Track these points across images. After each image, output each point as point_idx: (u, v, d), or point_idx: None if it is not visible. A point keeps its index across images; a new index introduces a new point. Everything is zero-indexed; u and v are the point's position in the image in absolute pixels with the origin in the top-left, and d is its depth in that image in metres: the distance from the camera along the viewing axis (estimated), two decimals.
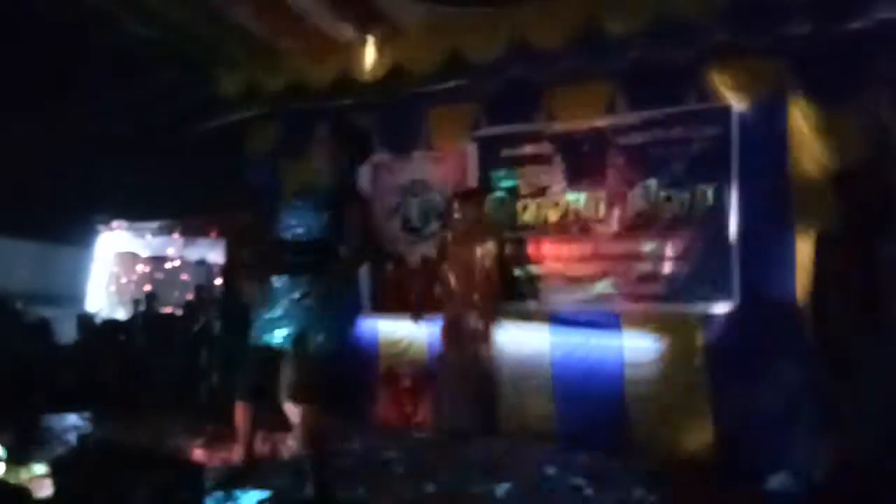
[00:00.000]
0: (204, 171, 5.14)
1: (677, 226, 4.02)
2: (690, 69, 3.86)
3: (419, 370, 4.65)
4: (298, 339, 2.79)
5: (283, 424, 2.91)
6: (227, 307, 5.00)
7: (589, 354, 4.24)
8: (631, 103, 4.14)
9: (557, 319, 4.36)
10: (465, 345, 4.23)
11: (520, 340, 4.47)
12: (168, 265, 7.16)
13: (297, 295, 2.82)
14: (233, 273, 3.13)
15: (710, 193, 3.92)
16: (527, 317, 4.44)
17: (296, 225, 2.88)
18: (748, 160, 3.78)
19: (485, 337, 4.28)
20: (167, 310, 6.45)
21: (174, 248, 6.85)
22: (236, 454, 3.06)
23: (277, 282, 2.87)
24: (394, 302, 4.95)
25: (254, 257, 3.01)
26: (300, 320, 2.80)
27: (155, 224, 6.60)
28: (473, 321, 4.23)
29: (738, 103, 3.77)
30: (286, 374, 2.79)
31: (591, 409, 4.12)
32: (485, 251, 4.31)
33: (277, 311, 2.85)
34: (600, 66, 4.04)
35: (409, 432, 4.35)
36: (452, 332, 4.26)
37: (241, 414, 2.96)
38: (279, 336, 2.83)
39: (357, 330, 4.96)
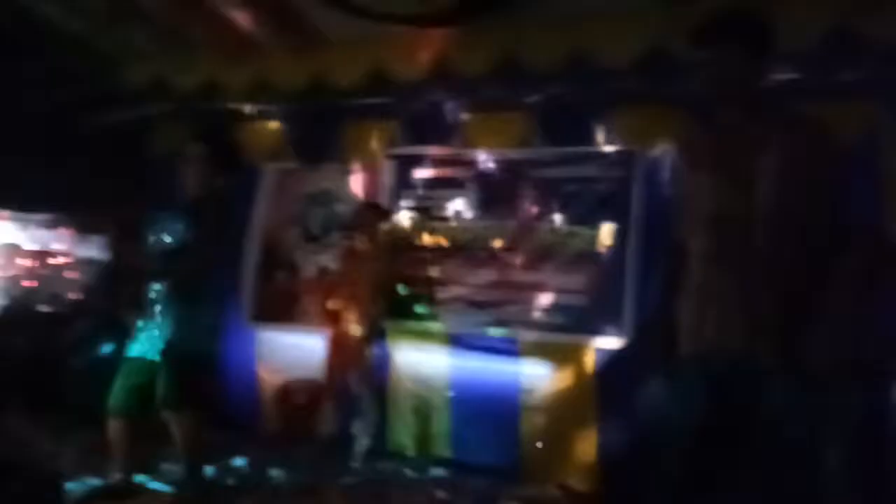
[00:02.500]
0: (103, 165, 4.85)
1: (579, 260, 4.15)
2: (601, 111, 4.02)
3: (305, 383, 4.53)
4: (163, 347, 2.81)
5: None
6: (104, 311, 4.75)
7: (487, 379, 4.29)
8: (545, 138, 4.25)
9: (458, 342, 4.38)
10: (349, 359, 4.17)
11: (420, 361, 4.47)
12: (54, 261, 6.69)
13: (159, 301, 2.85)
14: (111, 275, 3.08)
15: (610, 232, 4.08)
16: (428, 338, 4.45)
17: (163, 233, 2.91)
18: (647, 203, 3.96)
19: (368, 353, 4.23)
20: (48, 308, 6.01)
21: (63, 244, 6.40)
22: (113, 469, 2.94)
23: (151, 288, 2.89)
24: (282, 312, 4.84)
25: (130, 262, 3.04)
26: (162, 327, 2.82)
27: (43, 216, 6.15)
28: (360, 336, 4.18)
29: (640, 148, 3.96)
30: (159, 384, 2.79)
31: (487, 434, 4.17)
32: (381, 267, 4.29)
33: (146, 320, 2.87)
34: (517, 99, 4.14)
35: (294, 448, 4.23)
36: (337, 346, 4.19)
37: (115, 429, 2.86)
38: (147, 345, 2.84)
39: (235, 338, 4.88)
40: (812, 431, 1.87)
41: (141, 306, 2.91)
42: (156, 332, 2.85)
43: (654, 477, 2.00)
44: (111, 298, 4.62)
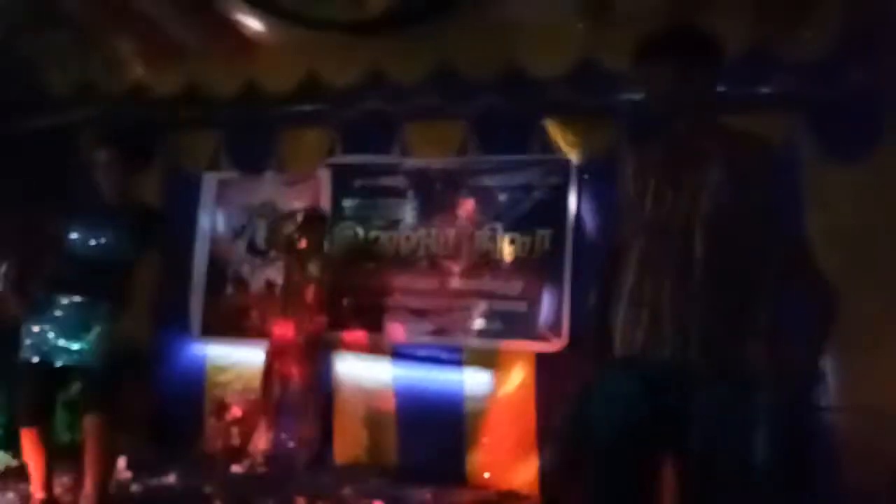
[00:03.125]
0: (24, 170, 4.63)
1: (517, 267, 4.20)
2: (535, 120, 4.06)
3: (248, 398, 4.44)
4: (82, 351, 2.74)
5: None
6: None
7: (431, 387, 4.29)
8: (481, 147, 4.27)
9: (401, 352, 4.38)
10: (290, 371, 4.10)
11: (362, 371, 4.44)
12: None
13: (71, 307, 2.75)
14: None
15: (547, 238, 4.14)
16: (371, 348, 4.42)
17: (81, 239, 2.80)
18: (583, 210, 4.04)
19: (310, 364, 4.18)
20: None
21: None
22: (34, 489, 2.82)
23: (59, 296, 2.78)
24: (228, 326, 4.75)
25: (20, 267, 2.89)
26: (78, 331, 2.73)
27: None
28: (300, 347, 4.12)
29: (574, 156, 4.02)
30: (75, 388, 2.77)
31: (432, 442, 4.17)
32: (319, 276, 4.23)
33: (50, 324, 2.75)
34: (453, 107, 4.14)
35: (233, 464, 4.14)
36: (278, 358, 4.12)
37: (28, 442, 2.75)
38: (56, 351, 2.74)
39: (181, 353, 4.76)
40: (740, 436, 1.92)
41: (36, 310, 2.79)
42: (60, 337, 2.74)
43: (590, 481, 2.02)
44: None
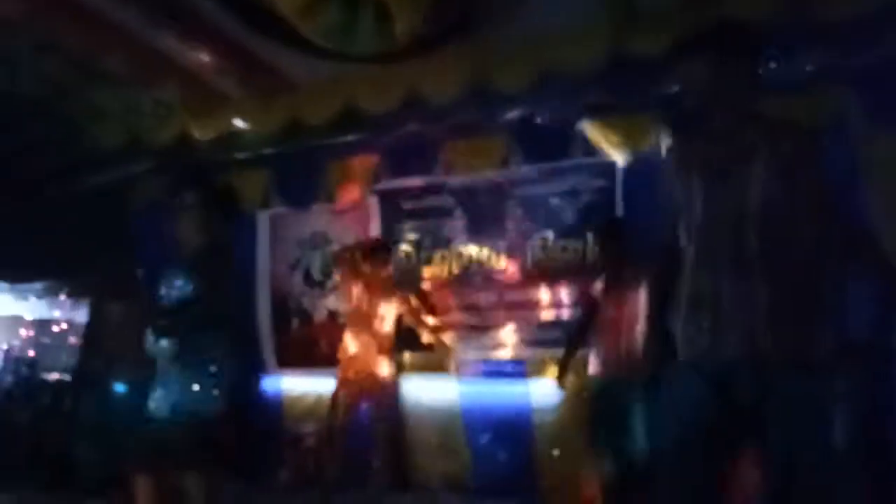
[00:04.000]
0: (87, 227, 4.88)
1: (571, 273, 4.14)
2: (576, 124, 4.00)
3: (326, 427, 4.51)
4: (177, 404, 2.73)
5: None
6: (95, 372, 4.73)
7: (497, 402, 4.28)
8: (524, 157, 4.24)
9: (466, 368, 4.38)
10: (368, 399, 4.15)
11: (430, 391, 4.47)
12: (55, 328, 6.71)
13: (172, 358, 2.77)
14: (99, 335, 2.97)
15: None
16: (434, 368, 4.44)
17: (170, 288, 2.84)
18: (633, 211, 3.94)
19: (389, 390, 4.22)
20: (54, 376, 6.02)
21: (61, 311, 6.43)
22: None
23: (157, 345, 2.80)
24: (298, 357, 4.86)
25: (123, 319, 2.94)
26: (173, 384, 2.75)
27: (39, 285, 6.17)
28: (378, 374, 4.15)
29: (618, 157, 3.95)
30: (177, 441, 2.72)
31: (503, 457, 4.17)
32: (391, 304, 4.25)
33: (159, 376, 2.78)
34: (492, 121, 4.13)
35: (317, 492, 4.20)
36: (354, 386, 4.18)
37: (142, 488, 2.77)
38: (163, 401, 2.75)
39: (258, 387, 4.89)
40: (820, 424, 1.86)
41: (141, 365, 2.84)
42: (166, 389, 2.76)
43: (665, 486, 1.98)
44: (102, 361, 4.60)
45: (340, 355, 4.20)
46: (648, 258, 2.10)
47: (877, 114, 3.23)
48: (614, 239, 3.57)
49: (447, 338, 4.42)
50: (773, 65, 3.04)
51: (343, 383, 4.14)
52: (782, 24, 3.01)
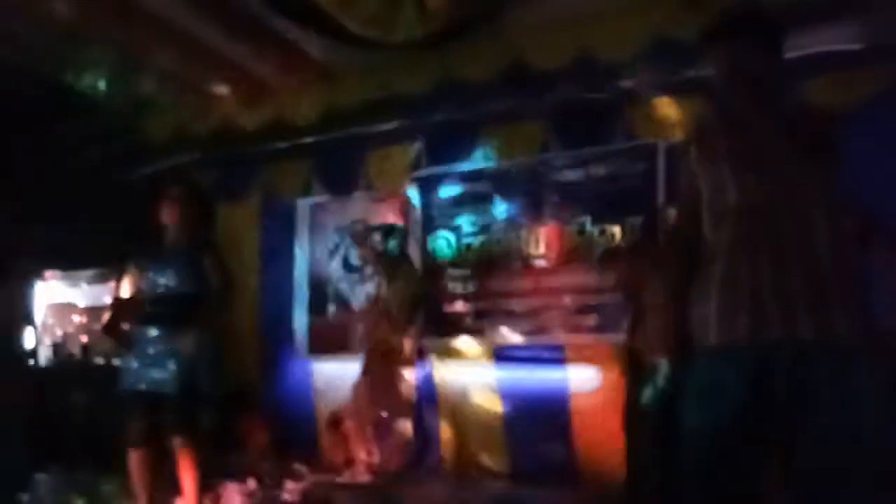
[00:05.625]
0: (136, 218, 5.04)
1: (610, 258, 4.10)
2: (615, 107, 3.97)
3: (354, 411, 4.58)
4: (163, 379, 2.95)
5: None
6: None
7: (535, 387, 4.28)
8: (562, 142, 4.23)
9: (502, 354, 4.39)
10: (387, 381, 4.19)
11: (467, 376, 4.49)
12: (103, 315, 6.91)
13: (165, 342, 2.98)
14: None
15: (637, 227, 4.04)
16: (474, 353, 4.47)
17: (162, 279, 3.04)
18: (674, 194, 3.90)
19: (402, 373, 4.26)
20: (104, 361, 6.21)
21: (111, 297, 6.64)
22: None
23: (145, 331, 3.03)
24: (334, 343, 4.92)
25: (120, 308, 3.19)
26: (167, 365, 2.96)
27: (90, 272, 6.38)
28: (395, 357, 4.20)
29: (659, 140, 3.90)
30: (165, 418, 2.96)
31: (541, 442, 4.16)
32: (408, 287, 4.29)
33: (141, 358, 3.00)
34: (530, 105, 4.12)
35: (351, 476, 4.28)
36: (371, 369, 4.21)
37: (136, 462, 2.99)
38: (144, 380, 2.97)
39: (291, 372, 4.98)
40: (855, 409, 1.83)
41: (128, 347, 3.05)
42: (141, 369, 2.98)
43: (700, 469, 1.97)
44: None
45: (363, 338, 4.27)
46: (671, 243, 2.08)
47: None
48: (649, 223, 3.54)
49: (484, 323, 4.42)
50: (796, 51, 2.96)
51: (367, 366, 4.20)
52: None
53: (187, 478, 2.98)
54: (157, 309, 3.03)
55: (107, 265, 6.23)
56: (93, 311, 7.15)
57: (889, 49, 3.15)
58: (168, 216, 3.14)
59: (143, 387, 2.97)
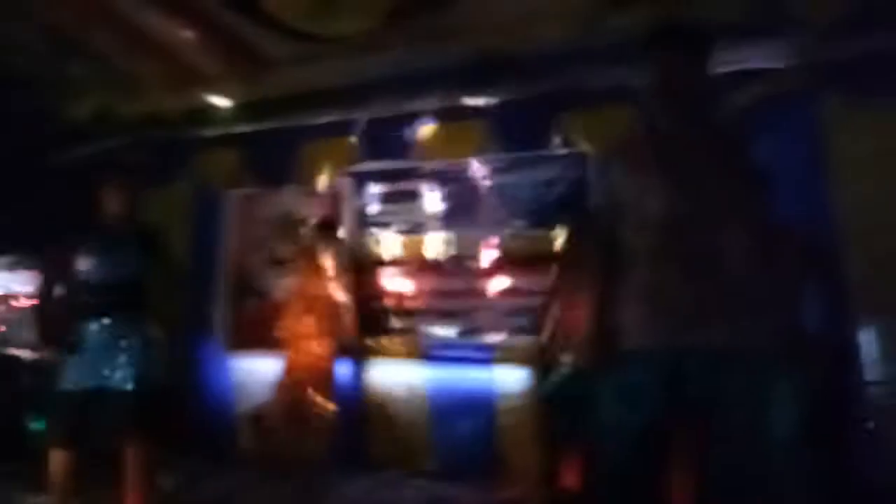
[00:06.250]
0: (59, 203, 4.79)
1: (540, 263, 4.13)
2: (552, 114, 4.01)
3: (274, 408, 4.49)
4: (123, 378, 2.80)
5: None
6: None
7: (462, 387, 4.30)
8: (499, 145, 4.24)
9: (431, 353, 4.39)
10: (312, 379, 4.13)
11: (394, 375, 4.47)
12: (17, 304, 6.58)
13: (113, 333, 2.83)
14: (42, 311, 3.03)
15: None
16: (401, 351, 4.45)
17: (107, 267, 2.88)
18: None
19: (330, 372, 4.21)
20: (19, 352, 5.91)
21: (25, 285, 6.30)
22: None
23: (89, 324, 2.86)
24: (254, 338, 4.79)
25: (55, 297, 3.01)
26: (120, 359, 2.81)
27: (5, 259, 6.06)
28: (319, 355, 4.15)
29: (592, 149, 3.96)
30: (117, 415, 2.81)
31: (467, 441, 4.18)
32: (335, 282, 4.25)
33: (89, 352, 2.83)
34: (469, 107, 4.12)
35: (270, 471, 4.20)
36: (298, 367, 4.14)
37: (56, 461, 2.81)
38: (95, 376, 2.81)
39: (209, 366, 4.85)
40: (762, 415, 1.91)
41: (68, 338, 2.87)
42: (100, 364, 2.82)
43: (616, 471, 2.02)
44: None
45: (283, 335, 4.21)
46: (592, 250, 2.12)
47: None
48: (580, 230, 3.59)
49: (413, 322, 4.41)
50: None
51: (289, 365, 4.14)
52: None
53: (139, 479, 2.83)
54: (103, 299, 2.87)
55: (23, 252, 5.94)
56: (3, 299, 6.80)
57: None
58: (114, 203, 2.99)
59: (90, 383, 2.80)
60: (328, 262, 4.28)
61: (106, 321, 2.86)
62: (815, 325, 2.57)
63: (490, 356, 4.26)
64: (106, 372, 2.81)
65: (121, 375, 2.81)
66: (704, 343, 1.84)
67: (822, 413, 2.58)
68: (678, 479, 2.02)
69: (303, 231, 4.41)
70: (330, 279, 4.24)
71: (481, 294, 4.36)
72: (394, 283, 4.56)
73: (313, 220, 4.58)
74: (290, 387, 4.12)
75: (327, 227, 4.43)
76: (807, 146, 3.17)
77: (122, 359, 2.82)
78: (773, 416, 1.98)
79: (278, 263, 4.93)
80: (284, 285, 4.75)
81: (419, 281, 4.50)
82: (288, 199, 4.96)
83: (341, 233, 4.54)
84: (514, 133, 4.20)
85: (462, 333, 4.38)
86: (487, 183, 4.40)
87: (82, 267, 2.91)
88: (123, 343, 2.84)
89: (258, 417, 4.47)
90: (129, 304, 2.87)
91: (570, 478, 3.32)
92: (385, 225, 4.66)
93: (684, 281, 1.87)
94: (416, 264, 4.53)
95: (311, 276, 4.26)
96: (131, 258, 2.91)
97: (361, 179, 4.73)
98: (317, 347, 4.15)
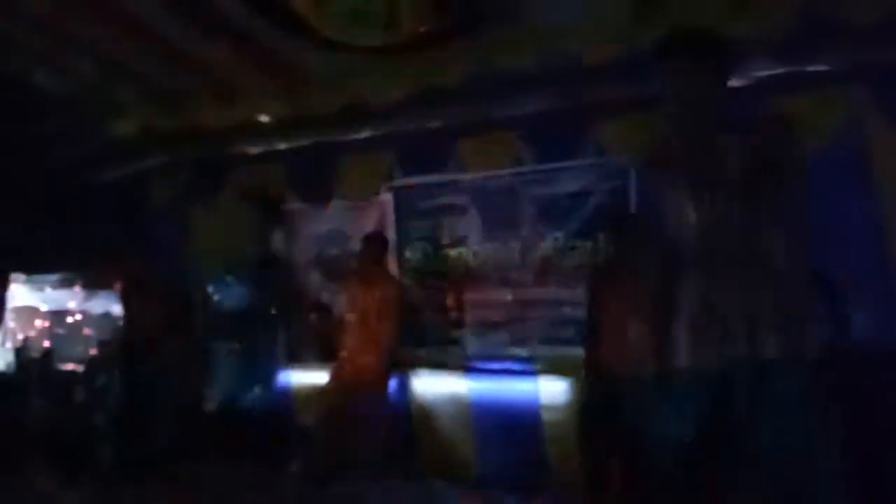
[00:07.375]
0: (106, 220, 4.93)
1: (582, 273, 4.12)
2: (589, 124, 3.98)
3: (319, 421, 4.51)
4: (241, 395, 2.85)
5: None
6: (130, 364, 4.77)
7: (507, 398, 4.29)
8: (536, 156, 4.24)
9: (476, 365, 4.40)
10: (357, 389, 4.15)
11: (439, 386, 4.48)
12: (69, 319, 6.77)
13: (236, 356, 2.85)
14: (133, 328, 3.04)
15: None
16: (446, 363, 4.46)
17: (230, 296, 2.93)
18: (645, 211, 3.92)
19: (381, 382, 4.22)
20: (69, 366, 6.07)
21: (76, 302, 6.49)
22: None
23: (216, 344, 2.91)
24: (314, 352, 4.84)
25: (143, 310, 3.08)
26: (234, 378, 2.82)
27: (54, 276, 6.24)
28: (372, 368, 4.17)
29: (630, 157, 3.91)
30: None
31: (512, 453, 4.16)
32: (385, 296, 4.26)
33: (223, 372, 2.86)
34: (504, 117, 4.11)
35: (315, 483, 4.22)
36: (343, 377, 4.17)
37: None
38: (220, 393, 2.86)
39: (277, 383, 4.92)
40: (813, 422, 1.88)
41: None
42: (223, 383, 2.87)
43: (662, 484, 2.00)
44: (130, 352, 4.63)
45: (340, 349, 4.23)
46: (652, 261, 2.10)
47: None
48: (624, 239, 3.56)
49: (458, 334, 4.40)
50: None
51: (336, 377, 4.17)
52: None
53: None
54: (228, 325, 2.94)
55: (72, 269, 6.12)
56: (56, 316, 7.00)
57: None
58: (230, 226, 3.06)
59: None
60: (378, 277, 4.31)
61: (227, 344, 2.92)
62: (863, 336, 2.51)
63: (534, 367, 4.24)
64: (230, 391, 2.86)
65: (241, 395, 2.86)
66: (755, 354, 1.82)
67: (870, 424, 2.51)
68: (725, 492, 1.99)
69: (352, 246, 4.43)
70: (379, 293, 4.26)
71: (524, 305, 4.34)
72: (439, 295, 4.56)
73: (362, 236, 4.61)
74: (336, 394, 4.13)
75: (376, 241, 4.45)
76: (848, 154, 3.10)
77: (243, 379, 2.86)
78: (822, 424, 1.93)
79: (332, 278, 4.99)
80: (341, 300, 4.81)
81: (463, 293, 4.51)
82: (334, 216, 5.01)
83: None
84: (553, 143, 4.19)
85: (506, 345, 4.36)
86: (528, 194, 4.39)
87: (212, 293, 2.99)
88: (242, 365, 2.90)
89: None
90: (252, 331, 2.90)
91: (616, 489, 3.28)
92: (428, 239, 4.68)
93: (726, 292, 1.85)
94: (459, 276, 4.54)
95: (362, 290, 4.28)
96: (258, 292, 2.96)
97: (403, 193, 4.76)
98: (368, 359, 4.17)
